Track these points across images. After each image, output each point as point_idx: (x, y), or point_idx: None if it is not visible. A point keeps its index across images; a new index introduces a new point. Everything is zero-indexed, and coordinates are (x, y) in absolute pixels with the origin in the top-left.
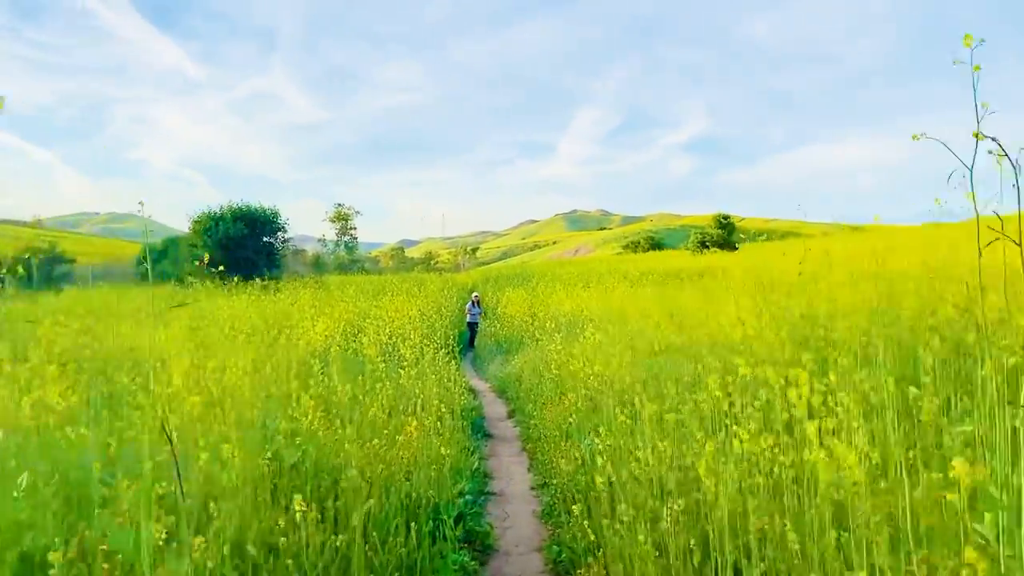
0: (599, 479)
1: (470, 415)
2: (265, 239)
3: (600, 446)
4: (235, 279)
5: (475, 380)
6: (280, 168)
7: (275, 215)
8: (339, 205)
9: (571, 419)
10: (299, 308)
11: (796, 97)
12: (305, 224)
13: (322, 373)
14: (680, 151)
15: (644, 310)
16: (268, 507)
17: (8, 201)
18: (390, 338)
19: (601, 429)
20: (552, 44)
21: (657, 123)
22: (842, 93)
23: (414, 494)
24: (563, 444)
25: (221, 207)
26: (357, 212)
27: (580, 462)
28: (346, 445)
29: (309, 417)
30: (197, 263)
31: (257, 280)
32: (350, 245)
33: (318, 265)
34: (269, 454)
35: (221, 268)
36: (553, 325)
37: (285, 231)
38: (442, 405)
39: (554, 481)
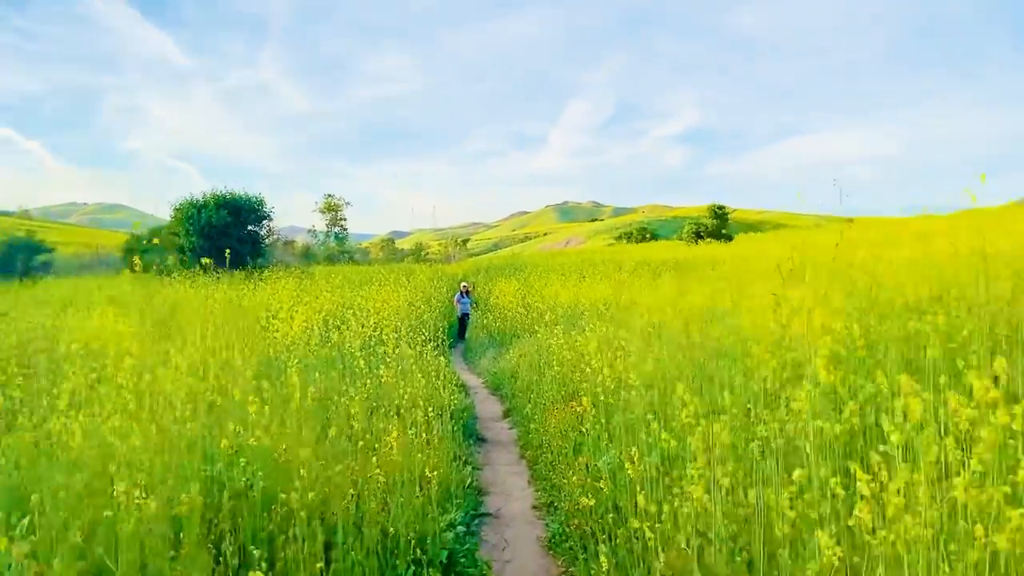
0: (646, 529)
1: (461, 416)
2: (250, 228)
3: (632, 473)
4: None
5: (466, 374)
6: (271, 159)
7: (260, 203)
8: (329, 196)
9: (583, 428)
10: (278, 299)
11: (787, 89)
12: (296, 215)
13: (286, 371)
14: (671, 143)
15: (655, 301)
16: (191, 559)
17: None
18: (375, 330)
19: (633, 451)
20: (543, 35)
21: (649, 115)
22: (833, 85)
23: (392, 530)
24: (575, 460)
25: (204, 194)
26: (347, 203)
27: (602, 491)
28: (302, 471)
29: (258, 432)
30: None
31: (230, 270)
32: (340, 236)
33: (308, 256)
34: (198, 484)
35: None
36: (552, 317)
37: (271, 219)
38: (430, 409)
39: (563, 505)
